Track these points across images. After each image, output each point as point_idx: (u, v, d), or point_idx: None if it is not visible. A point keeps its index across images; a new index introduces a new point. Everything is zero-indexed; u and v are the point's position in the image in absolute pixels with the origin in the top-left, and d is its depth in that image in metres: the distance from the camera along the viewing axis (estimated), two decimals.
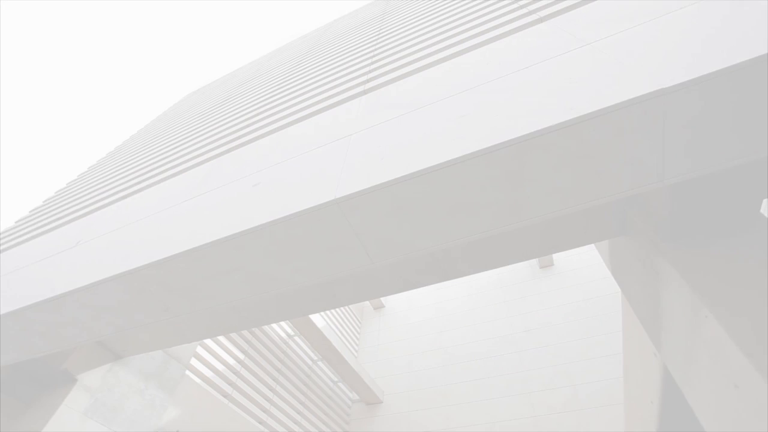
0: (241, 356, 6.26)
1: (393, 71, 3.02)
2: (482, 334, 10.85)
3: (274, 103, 3.83)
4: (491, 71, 2.14)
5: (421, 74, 2.72)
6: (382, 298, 13.08)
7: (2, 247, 3.95)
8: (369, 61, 3.52)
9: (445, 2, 4.22)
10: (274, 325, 7.67)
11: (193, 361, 5.08)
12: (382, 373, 10.84)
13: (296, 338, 8.36)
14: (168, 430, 3.98)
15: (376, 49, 3.80)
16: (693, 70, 1.29)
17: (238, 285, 2.06)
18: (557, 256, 12.09)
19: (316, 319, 7.94)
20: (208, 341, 5.58)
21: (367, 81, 3.08)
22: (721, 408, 2.00)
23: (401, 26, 4.23)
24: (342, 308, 11.64)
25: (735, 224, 2.08)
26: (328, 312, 10.30)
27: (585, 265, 11.51)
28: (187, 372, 4.70)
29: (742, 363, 1.68)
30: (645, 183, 1.50)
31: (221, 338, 5.93)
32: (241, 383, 6.06)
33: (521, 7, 2.88)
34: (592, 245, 3.29)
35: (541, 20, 2.53)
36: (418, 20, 4.08)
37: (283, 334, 7.98)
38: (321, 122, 2.77)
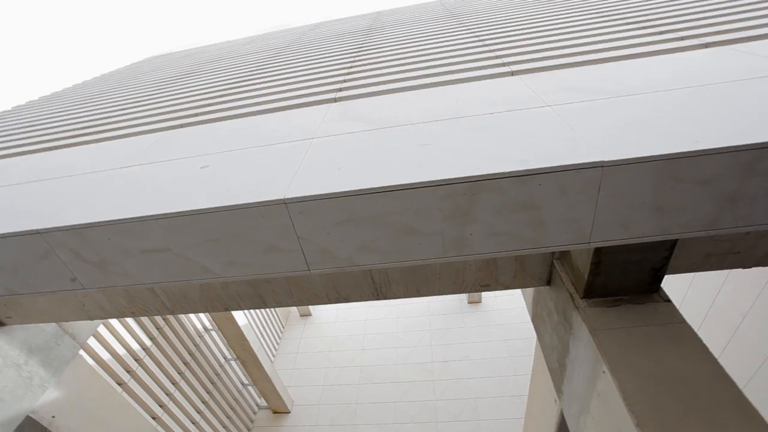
0: (148, 343, 5.80)
1: (367, 86, 3.07)
2: (402, 359, 10.97)
3: (243, 89, 3.72)
4: (461, 108, 2.25)
5: (394, 95, 2.78)
6: (310, 307, 12.82)
7: None
8: (346, 71, 3.55)
9: (431, 35, 4.39)
10: (191, 315, 7.23)
11: (91, 341, 4.63)
12: (296, 383, 10.53)
13: (213, 333, 7.92)
14: (42, 414, 3.55)
15: (355, 61, 3.85)
16: (627, 152, 1.45)
17: (163, 267, 1.93)
18: (486, 295, 12.63)
19: (239, 316, 7.60)
20: (114, 321, 5.12)
21: (340, 90, 3.09)
22: None
23: (384, 44, 4.33)
24: (268, 309, 11.23)
25: (641, 293, 2.32)
26: (252, 311, 9.89)
27: (510, 307, 12.14)
28: (81, 352, 4.26)
29: (625, 417, 1.85)
30: (575, 241, 1.64)
31: (130, 320, 5.47)
32: (142, 372, 5.60)
33: (498, 57, 3.08)
34: (520, 290, 3.48)
35: (513, 73, 2.71)
36: (402, 43, 4.20)
37: (199, 326, 7.53)
38: (286, 119, 2.73)
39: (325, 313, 12.79)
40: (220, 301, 3.10)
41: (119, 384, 5.13)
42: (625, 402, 1.88)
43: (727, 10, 3.26)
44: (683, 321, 2.18)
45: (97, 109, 4.29)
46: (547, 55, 2.95)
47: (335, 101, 2.90)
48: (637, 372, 1.98)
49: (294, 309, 12.91)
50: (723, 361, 5.85)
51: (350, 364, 10.91)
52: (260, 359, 8.26)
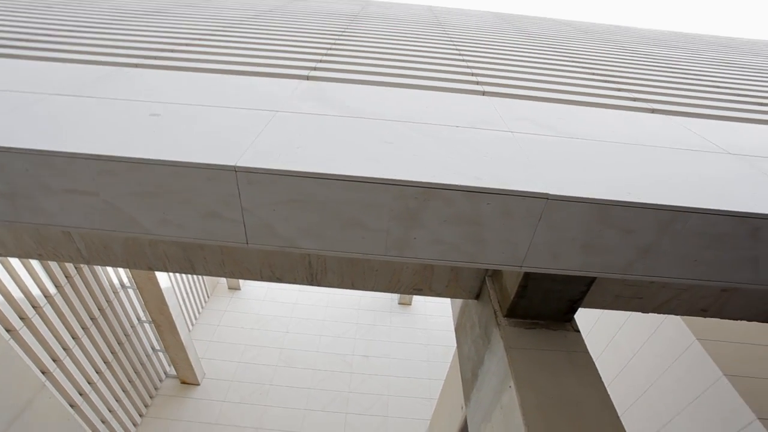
0: (52, 290, 5.30)
1: (342, 72, 3.02)
2: (324, 347, 10.98)
3: (212, 42, 3.51)
4: (429, 115, 2.29)
5: (367, 87, 2.77)
6: (241, 281, 12.43)
7: None
8: (324, 52, 3.47)
9: (414, 38, 4.42)
10: (109, 268, 6.72)
11: None
12: (211, 356, 10.17)
13: (129, 291, 7.42)
14: None
15: (335, 44, 3.77)
16: (570, 190, 1.56)
17: (86, 212, 1.78)
18: (417, 299, 12.98)
19: (162, 278, 7.18)
20: (16, 261, 4.63)
21: (315, 69, 3.02)
22: None
23: (367, 34, 4.29)
24: (196, 276, 10.72)
25: (556, 320, 2.51)
26: (178, 275, 9.39)
27: (436, 314, 12.58)
28: None
29: (518, 428, 2.00)
30: (509, 263, 1.73)
31: (36, 262, 4.97)
32: (38, 321, 5.11)
33: (473, 75, 3.17)
34: (449, 300, 3.63)
35: (484, 93, 2.81)
36: (385, 38, 4.18)
37: (115, 281, 7.01)
38: (253, 85, 2.62)
39: (254, 289, 12.45)
40: (144, 259, 2.91)
41: (8, 330, 4.65)
42: (523, 416, 2.03)
43: (677, 86, 3.61)
44: (586, 351, 2.39)
45: (44, 21, 3.83)
46: (518, 84, 3.09)
47: (307, 79, 2.82)
48: (538, 391, 2.15)
49: (223, 280, 12.44)
50: (611, 389, 6.50)
51: (271, 344, 10.73)
52: (177, 326, 7.87)
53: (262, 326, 11.24)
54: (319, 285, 3.12)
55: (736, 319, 2.87)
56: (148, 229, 1.81)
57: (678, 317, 5.51)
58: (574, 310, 2.52)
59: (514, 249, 1.68)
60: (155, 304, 7.37)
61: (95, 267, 6.31)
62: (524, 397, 2.12)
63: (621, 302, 2.70)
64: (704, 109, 2.96)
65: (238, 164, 1.58)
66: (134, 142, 1.71)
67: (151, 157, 1.59)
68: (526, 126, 2.25)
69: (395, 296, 12.87)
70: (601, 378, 2.28)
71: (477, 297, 2.97)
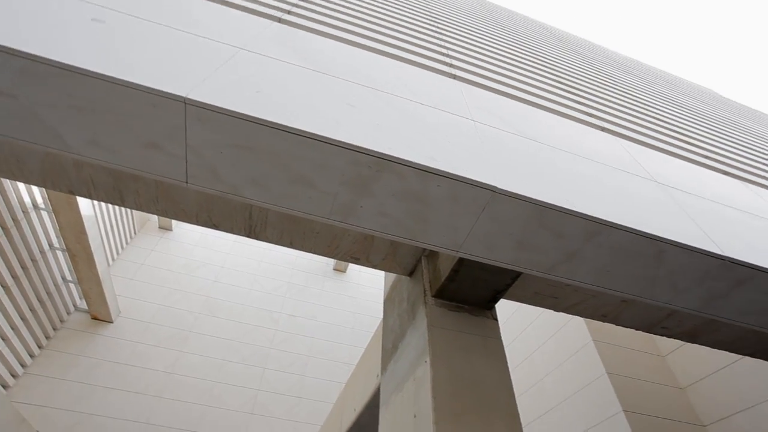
0: None
1: (317, 22, 2.87)
2: (252, 301, 10.86)
3: None
4: (397, 87, 2.25)
5: (339, 44, 2.66)
6: (174, 221, 11.78)
7: None
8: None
9: (394, 3, 4.28)
10: (20, 184, 6.04)
11: None
12: (130, 294, 9.67)
13: (43, 212, 6.75)
14: None
15: None
16: (517, 187, 1.64)
17: (3, 116, 1.56)
18: (352, 267, 13.17)
19: (85, 205, 6.60)
20: None
21: (289, 12, 2.84)
22: (398, 430, 2.49)
23: None
24: (124, 209, 9.98)
25: (479, 307, 2.67)
26: (104, 204, 8.67)
27: (369, 285, 12.87)
28: None
29: (427, 401, 2.14)
30: (448, 246, 1.80)
31: None
32: None
33: (448, 56, 3.15)
34: (383, 272, 3.72)
35: (455, 77, 2.81)
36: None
37: (27, 200, 6.34)
38: (220, 13, 2.40)
39: (188, 232, 11.89)
40: (66, 181, 2.65)
41: None
42: (432, 389, 2.16)
43: (628, 111, 3.85)
44: (499, 338, 2.59)
45: None
46: (488, 75, 3.13)
47: (279, 21, 2.65)
48: (450, 368, 2.30)
49: (154, 218, 11.71)
50: (514, 374, 7.15)
51: (197, 291, 10.41)
52: (96, 259, 7.33)
53: (191, 272, 10.84)
54: (256, 238, 3.05)
55: (628, 327, 3.24)
56: (74, 148, 1.64)
57: (581, 319, 6.13)
58: (497, 300, 2.69)
59: (454, 234, 1.74)
60: (72, 231, 6.78)
61: (2, 180, 5.64)
62: (437, 372, 2.26)
63: (538, 299, 2.93)
64: (645, 138, 3.20)
65: (190, 96, 1.47)
66: (69, 45, 1.51)
67: (88, 68, 1.42)
68: (487, 118, 2.30)
69: (331, 261, 12.95)
70: (507, 364, 2.48)
71: (410, 274, 3.07)
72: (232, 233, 3.04)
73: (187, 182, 1.72)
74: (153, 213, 2.86)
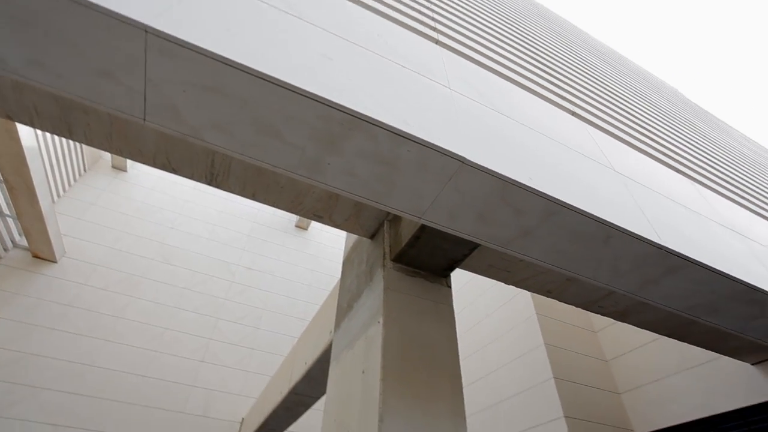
0: None
1: None
2: (209, 251, 10.64)
3: None
4: (379, 45, 2.17)
5: None
6: (129, 161, 11.12)
7: None
8: None
9: None
10: None
11: None
12: (77, 234, 9.18)
13: None
14: None
15: None
16: (485, 161, 1.66)
17: None
18: (315, 225, 13.11)
19: (27, 134, 6.06)
20: None
21: None
22: (346, 384, 2.59)
23: None
24: (72, 142, 9.26)
25: (435, 274, 2.76)
26: (48, 134, 7.98)
27: (330, 245, 12.91)
28: None
29: (377, 359, 2.23)
30: (411, 212, 1.82)
31: None
32: None
33: (433, 19, 3.05)
34: (345, 233, 3.73)
35: (437, 42, 2.74)
36: None
37: None
38: None
39: (144, 174, 11.28)
40: (3, 104, 2.40)
41: None
42: (382, 348, 2.25)
43: (599, 99, 3.94)
44: (451, 305, 2.70)
45: None
46: (472, 45, 3.07)
47: None
48: (401, 330, 2.39)
49: (107, 156, 10.99)
50: (461, 339, 7.56)
51: (151, 237, 10.03)
52: (38, 194, 6.82)
53: (146, 216, 10.38)
54: (218, 187, 2.94)
55: (569, 304, 3.47)
56: (12, 67, 1.48)
57: (528, 293, 6.51)
58: (453, 269, 2.79)
59: (419, 200, 1.76)
60: (11, 163, 6.23)
61: None
62: (388, 332, 2.34)
63: (492, 271, 3.06)
64: (610, 127, 3.31)
65: (152, 25, 1.34)
66: None
67: None
68: (465, 89, 2.28)
69: (294, 218, 12.82)
70: (455, 329, 2.62)
71: (372, 237, 3.10)
72: (192, 179, 2.92)
73: (144, 119, 1.61)
74: (106, 150, 2.67)
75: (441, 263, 2.72)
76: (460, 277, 8.20)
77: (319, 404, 8.07)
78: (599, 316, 6.30)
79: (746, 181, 4.49)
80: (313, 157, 1.64)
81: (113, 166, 10.94)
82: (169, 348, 8.50)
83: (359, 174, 1.68)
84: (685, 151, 3.95)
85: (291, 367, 5.54)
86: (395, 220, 2.89)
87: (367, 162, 1.63)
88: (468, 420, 6.41)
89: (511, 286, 6.92)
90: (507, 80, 2.92)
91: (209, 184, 2.94)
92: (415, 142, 1.55)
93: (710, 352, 4.79)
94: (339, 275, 11.73)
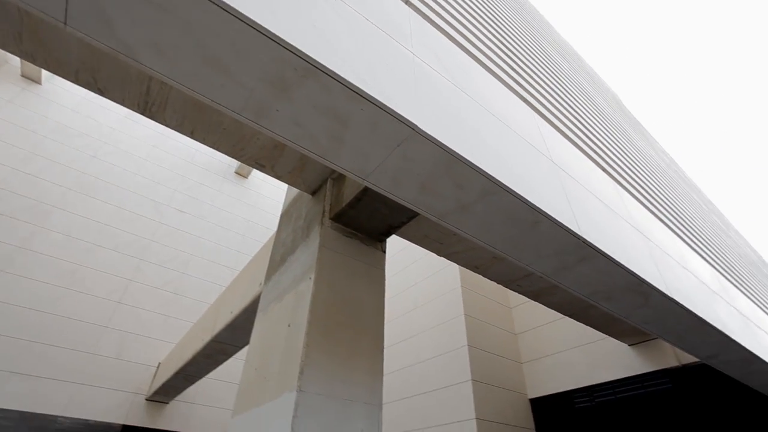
0: None
1: None
2: (136, 187, 9.85)
3: None
4: None
5: None
6: (45, 73, 9.74)
7: None
8: None
9: None
10: None
11: None
12: None
13: None
14: None
15: None
16: (435, 132, 1.68)
17: None
18: (256, 174, 12.60)
19: None
20: None
21: None
22: (271, 336, 2.61)
23: None
24: None
25: (372, 238, 2.80)
26: None
27: (269, 196, 12.53)
28: None
29: (304, 313, 2.25)
30: (357, 173, 1.80)
31: None
32: None
33: None
34: (286, 185, 3.63)
35: (407, 2, 2.65)
36: None
37: None
38: None
39: (63, 90, 9.96)
40: None
41: None
42: (311, 303, 2.28)
43: (554, 94, 4.10)
44: (383, 269, 2.78)
45: None
46: (443, 14, 3.01)
47: None
48: (331, 288, 2.43)
49: (15, 61, 9.51)
50: (389, 303, 7.88)
51: (69, 164, 9.03)
52: None
53: (63, 139, 9.27)
54: (152, 118, 2.70)
55: (492, 280, 3.74)
56: None
57: (457, 266, 6.89)
58: (389, 234, 2.85)
59: (366, 162, 1.75)
60: None
61: None
62: (318, 289, 2.37)
63: (426, 241, 3.18)
64: (554, 119, 3.49)
65: None
66: None
67: None
68: (429, 57, 2.25)
69: (234, 163, 12.20)
70: (384, 293, 2.71)
71: (313, 193, 3.05)
72: (122, 105, 2.64)
73: (66, 23, 1.40)
74: (12, 53, 2.31)
75: (379, 227, 2.77)
76: (395, 243, 8.42)
77: (241, 354, 8.08)
78: (516, 294, 6.89)
79: (656, 190, 5.01)
80: (262, 101, 1.55)
81: (23, 75, 9.53)
82: (82, 286, 7.91)
83: (308, 126, 1.62)
84: (613, 154, 4.29)
85: (215, 315, 5.44)
86: (339, 179, 2.87)
87: (318, 115, 1.57)
88: (386, 378, 6.81)
89: (441, 258, 7.28)
90: (471, 57, 2.92)
91: (142, 113, 2.68)
92: (370, 102, 1.52)
93: (600, 333, 5.47)
94: (275, 228, 11.51)
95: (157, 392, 7.31)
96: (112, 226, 8.88)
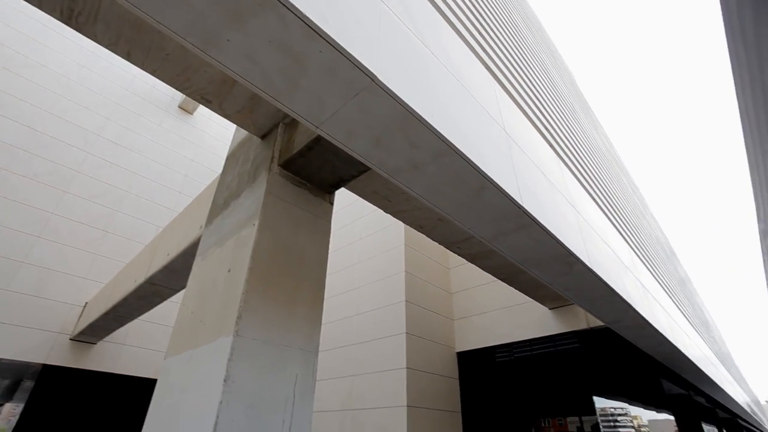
0: None
1: None
2: (61, 111, 8.83)
3: None
4: None
5: None
6: None
7: None
8: None
9: None
10: None
11: None
12: None
13: None
14: None
15: None
16: (395, 87, 1.64)
17: None
18: (202, 111, 11.74)
19: None
20: None
21: None
22: (209, 280, 2.55)
23: None
24: None
25: (321, 189, 2.76)
26: None
27: (215, 136, 11.81)
28: None
29: (245, 259, 2.22)
30: (310, 119, 1.73)
31: None
32: None
33: None
34: (235, 126, 3.43)
35: None
36: None
37: None
38: None
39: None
40: None
41: None
42: (253, 250, 2.24)
43: (524, 76, 4.13)
44: (329, 221, 2.77)
45: None
46: None
47: None
48: (275, 235, 2.39)
49: None
50: (332, 256, 7.95)
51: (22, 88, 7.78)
52: None
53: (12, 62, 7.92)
54: (78, 30, 2.37)
55: (435, 241, 3.88)
56: None
57: (402, 225, 7.06)
58: (338, 187, 2.83)
59: (321, 109, 1.68)
60: None
61: None
62: (262, 235, 2.32)
63: (375, 197, 3.20)
64: (513, 90, 3.54)
65: None
66: None
67: None
68: (399, 8, 2.14)
69: (178, 96, 11.24)
70: (328, 245, 2.72)
71: (263, 137, 2.91)
72: (40, 9, 2.28)
73: None
74: None
75: (328, 179, 2.73)
76: (343, 198, 8.40)
77: (176, 297, 7.87)
78: (455, 255, 7.25)
79: (593, 169, 5.36)
80: (212, 28, 1.41)
81: None
82: None
83: (262, 62, 1.51)
84: (561, 130, 4.49)
85: (151, 256, 5.19)
86: (291, 124, 2.75)
87: (273, 51, 1.47)
88: (325, 327, 7.00)
89: (388, 216, 7.42)
90: (440, 14, 2.83)
91: (66, 23, 2.35)
92: (329, 43, 1.43)
93: (526, 296, 5.97)
94: (220, 170, 10.96)
95: (83, 332, 6.98)
96: (30, 152, 7.95)
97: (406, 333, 6.00)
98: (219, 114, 2.73)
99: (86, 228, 8.10)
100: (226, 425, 1.80)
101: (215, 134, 11.77)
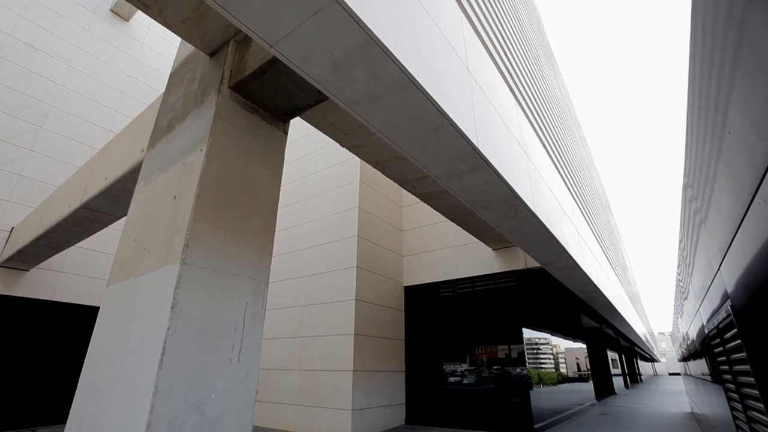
0: None
1: None
2: (10, 22, 7.42)
3: None
4: None
5: None
6: None
7: None
8: None
9: None
10: None
11: None
12: None
13: None
14: None
15: None
16: (358, 8, 1.52)
17: None
18: (140, 17, 10.40)
19: None
20: None
21: None
22: (153, 207, 2.42)
23: None
24: None
25: (275, 117, 2.62)
26: None
27: (156, 49, 10.63)
28: None
29: (191, 186, 2.11)
30: (264, 36, 1.59)
31: None
32: None
33: None
34: (180, 39, 3.09)
35: None
36: None
37: None
38: None
39: None
40: None
41: None
42: (201, 177, 2.13)
43: (504, 35, 3.94)
44: (282, 151, 2.67)
45: None
46: None
47: None
48: (224, 162, 2.28)
49: None
50: (287, 188, 7.78)
51: None
52: None
53: None
54: None
55: (390, 178, 3.90)
56: None
57: (358, 160, 6.99)
58: (293, 116, 2.69)
59: (276, 25, 1.54)
60: None
61: None
62: (210, 162, 2.20)
63: (331, 130, 3.10)
64: (481, 29, 3.42)
65: None
66: None
67: None
68: None
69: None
70: (281, 176, 2.64)
71: (212, 54, 2.66)
72: None
73: None
74: None
75: (283, 107, 2.58)
76: (298, 129, 8.08)
77: (118, 224, 7.47)
78: (409, 194, 7.37)
79: (548, 117, 5.49)
80: None
81: None
82: None
83: None
84: (522, 75, 4.48)
85: (86, 180, 4.80)
86: (244, 42, 2.51)
87: None
88: (275, 259, 7.03)
89: (344, 151, 7.28)
90: None
91: None
92: None
93: (473, 237, 6.30)
94: (162, 88, 10.01)
95: (11, 258, 6.52)
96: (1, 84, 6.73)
97: (357, 267, 6.20)
98: (160, 22, 2.42)
99: (5, 145, 7.25)
100: (174, 349, 1.83)
101: (157, 48, 10.55)
